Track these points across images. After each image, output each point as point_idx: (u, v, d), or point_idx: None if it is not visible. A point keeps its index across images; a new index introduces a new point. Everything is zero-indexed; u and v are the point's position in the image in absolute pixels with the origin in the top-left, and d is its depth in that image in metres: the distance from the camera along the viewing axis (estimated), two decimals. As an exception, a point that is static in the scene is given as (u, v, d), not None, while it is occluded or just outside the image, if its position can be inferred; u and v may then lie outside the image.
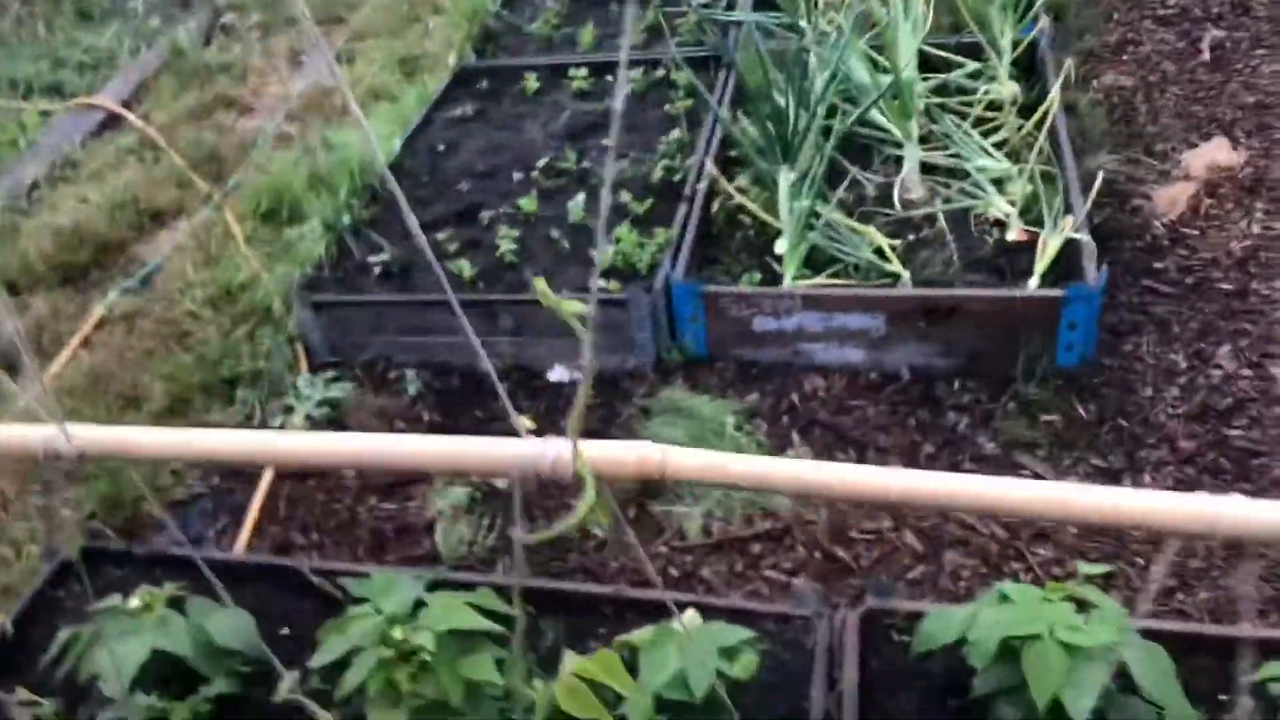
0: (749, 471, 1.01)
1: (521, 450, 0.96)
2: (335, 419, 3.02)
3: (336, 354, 3.22)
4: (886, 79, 3.35)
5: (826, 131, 3.30)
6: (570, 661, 1.66)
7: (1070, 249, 2.91)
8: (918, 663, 1.90)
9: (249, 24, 5.46)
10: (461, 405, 3.05)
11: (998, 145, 3.40)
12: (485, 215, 3.48)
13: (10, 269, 3.80)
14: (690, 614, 1.83)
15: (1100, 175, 3.15)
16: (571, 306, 1.00)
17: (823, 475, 0.98)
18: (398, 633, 1.75)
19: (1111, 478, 2.57)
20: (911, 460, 2.72)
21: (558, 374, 3.11)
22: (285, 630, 2.22)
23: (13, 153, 4.59)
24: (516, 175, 3.67)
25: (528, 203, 3.47)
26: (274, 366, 3.18)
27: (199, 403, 3.13)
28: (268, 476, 2.85)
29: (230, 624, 2.02)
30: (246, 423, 3.03)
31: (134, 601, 2.06)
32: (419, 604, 1.82)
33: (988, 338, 2.82)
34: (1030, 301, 2.76)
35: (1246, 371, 2.86)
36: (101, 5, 5.91)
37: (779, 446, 2.81)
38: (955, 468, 2.70)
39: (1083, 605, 1.69)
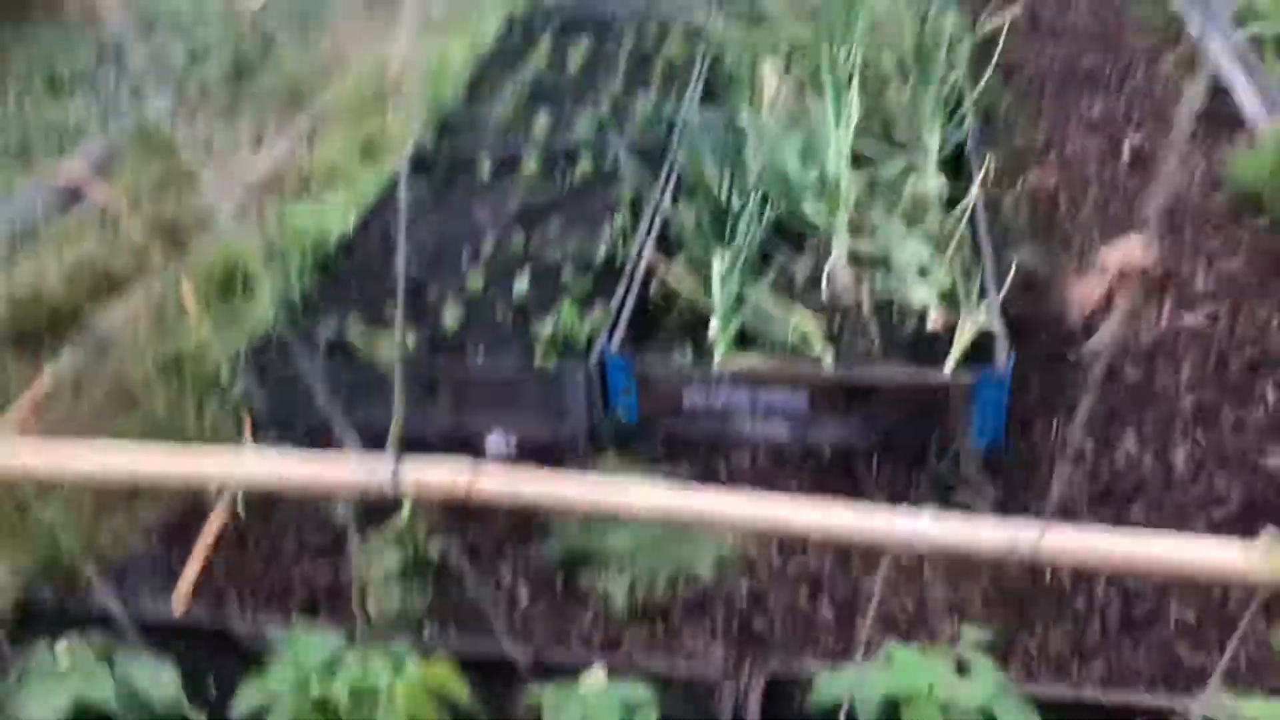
0: (546, 490, 1.13)
1: (353, 469, 1.05)
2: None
3: (279, 422, 3.31)
4: (815, 174, 3.54)
5: (762, 219, 3.48)
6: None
7: (986, 337, 3.07)
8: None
9: (216, 104, 5.63)
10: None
11: (922, 237, 3.59)
12: (433, 291, 3.61)
13: (-38, 333, 3.87)
14: (597, 673, 1.91)
15: (1014, 266, 3.33)
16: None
17: (614, 494, 1.10)
18: (314, 686, 1.82)
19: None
20: (830, 534, 2.83)
21: (496, 444, 3.21)
22: (213, 688, 2.27)
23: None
24: (465, 255, 3.82)
25: (474, 281, 3.61)
26: (219, 433, 3.26)
27: (142, 466, 3.19)
28: (207, 539, 2.92)
29: (154, 675, 2.07)
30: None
31: (60, 648, 2.11)
32: (336, 661, 1.90)
33: (904, 418, 2.96)
34: (943, 385, 2.91)
35: (1148, 457, 3.01)
36: (72, 77, 6.06)
37: (705, 519, 2.91)
38: (872, 542, 2.81)
39: (964, 668, 1.80)
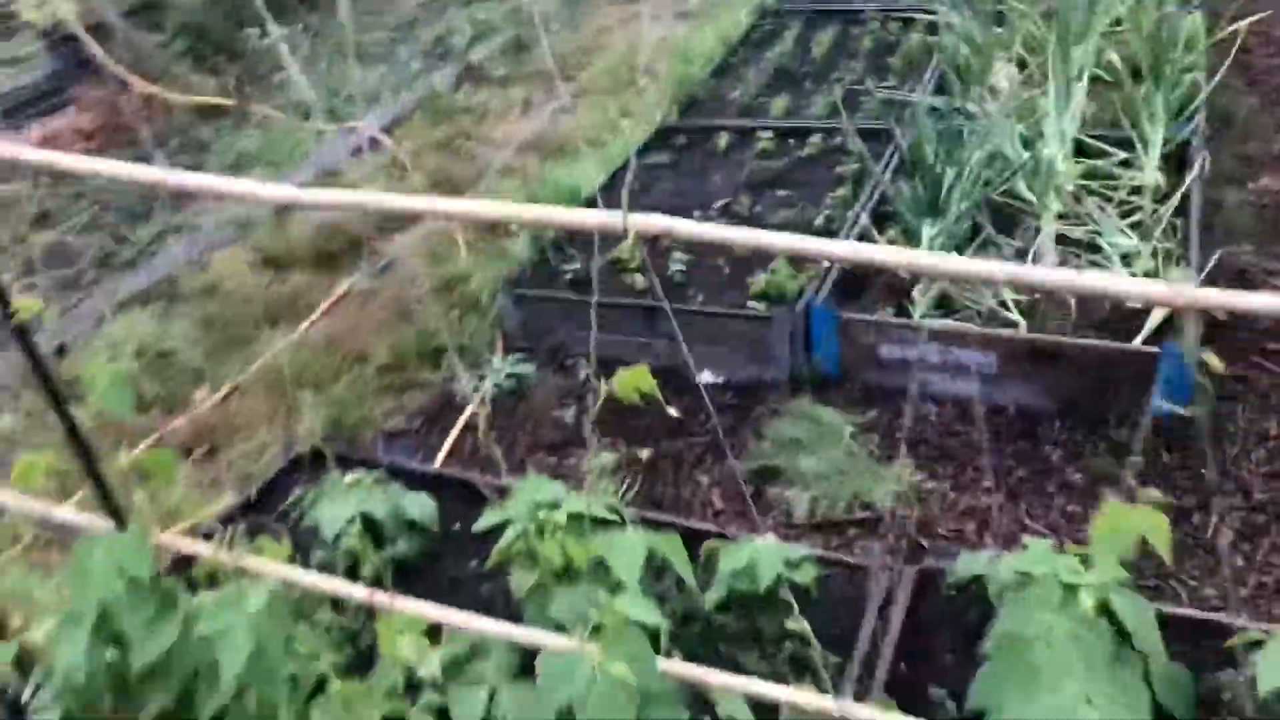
0: (718, 236, 1.46)
1: (600, 216, 1.40)
2: (517, 390, 3.62)
3: (527, 340, 3.84)
4: (1031, 157, 3.74)
5: (973, 195, 3.72)
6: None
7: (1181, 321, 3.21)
8: (958, 613, 2.28)
9: (493, 75, 6.33)
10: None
11: (1133, 226, 3.73)
12: (664, 241, 4.06)
13: (279, 250, 4.65)
14: (769, 536, 2.28)
15: (1227, 262, 3.42)
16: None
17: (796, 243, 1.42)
18: (541, 512, 2.28)
19: (1181, 513, 2.85)
20: (1003, 480, 3.07)
21: (706, 377, 3.61)
22: (457, 526, 2.79)
23: (291, 163, 5.53)
24: (696, 215, 4.24)
25: (703, 235, 4.02)
26: (476, 344, 3.83)
27: (412, 365, 3.80)
28: (459, 425, 3.48)
29: (418, 503, 2.61)
30: (447, 384, 3.68)
31: (348, 478, 2.68)
32: (559, 501, 2.35)
33: (1088, 384, 3.15)
34: (1128, 354, 3.08)
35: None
36: (374, 50, 6.94)
37: (887, 457, 3.21)
38: (1043, 493, 3.03)
39: (1087, 561, 2.05)
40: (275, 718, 1.78)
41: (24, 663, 2.05)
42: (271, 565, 1.95)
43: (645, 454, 3.31)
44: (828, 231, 3.93)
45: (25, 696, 2.04)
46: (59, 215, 5.26)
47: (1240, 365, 3.37)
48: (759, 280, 3.68)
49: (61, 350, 4.01)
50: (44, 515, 2.04)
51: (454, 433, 3.44)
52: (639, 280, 3.79)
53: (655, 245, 4.06)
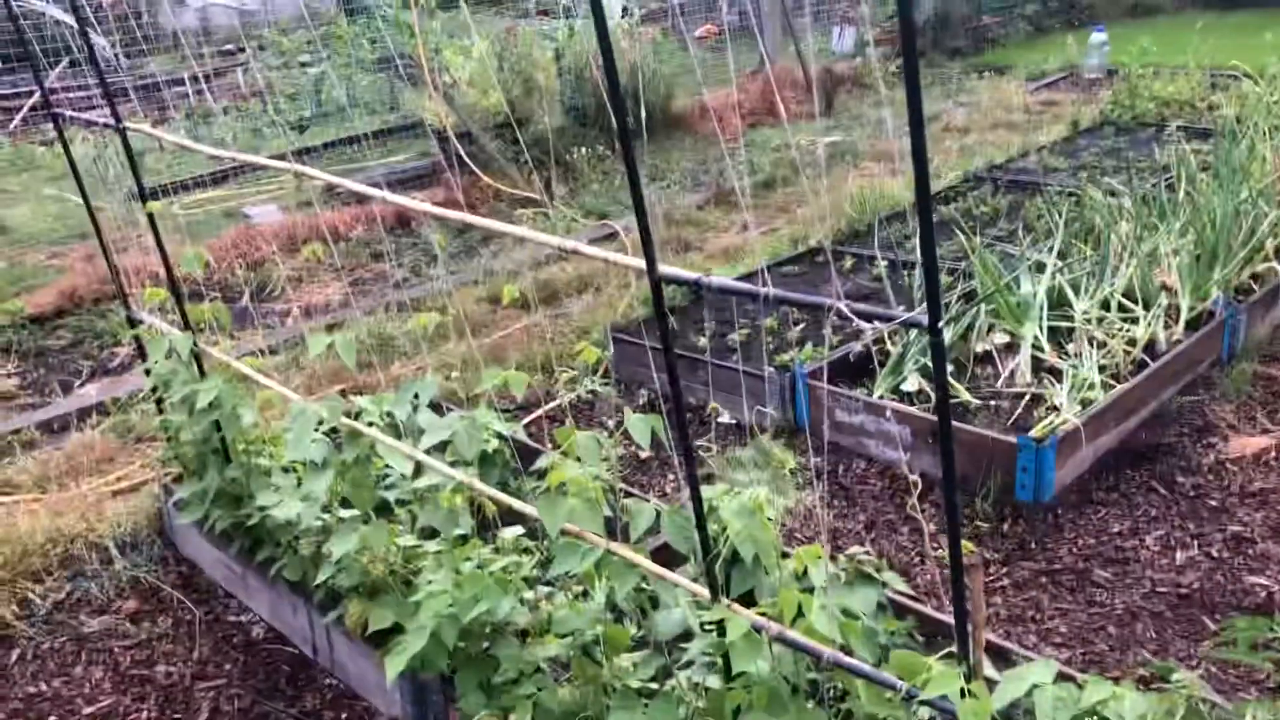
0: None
1: (637, 262, 2.68)
2: (591, 401, 4.95)
3: (619, 371, 5.16)
4: None
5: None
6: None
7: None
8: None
9: (734, 201, 7.79)
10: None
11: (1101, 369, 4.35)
12: (727, 318, 5.23)
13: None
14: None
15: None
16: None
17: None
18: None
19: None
20: (867, 515, 3.91)
21: (724, 418, 4.72)
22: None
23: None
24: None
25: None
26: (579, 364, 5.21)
27: (530, 370, 5.26)
28: (541, 411, 4.86)
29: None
30: (547, 385, 5.10)
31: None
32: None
33: (970, 462, 3.90)
34: (995, 441, 3.82)
35: None
36: (654, 174, 8.67)
37: (805, 485, 4.14)
38: (896, 531, 3.83)
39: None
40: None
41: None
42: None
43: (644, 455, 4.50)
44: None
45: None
46: (389, 253, 7.39)
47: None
48: (793, 353, 4.75)
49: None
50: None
51: (536, 414, 4.84)
52: (702, 341, 5.01)
53: (727, 321, 5.26)
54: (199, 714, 3.29)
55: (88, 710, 3.34)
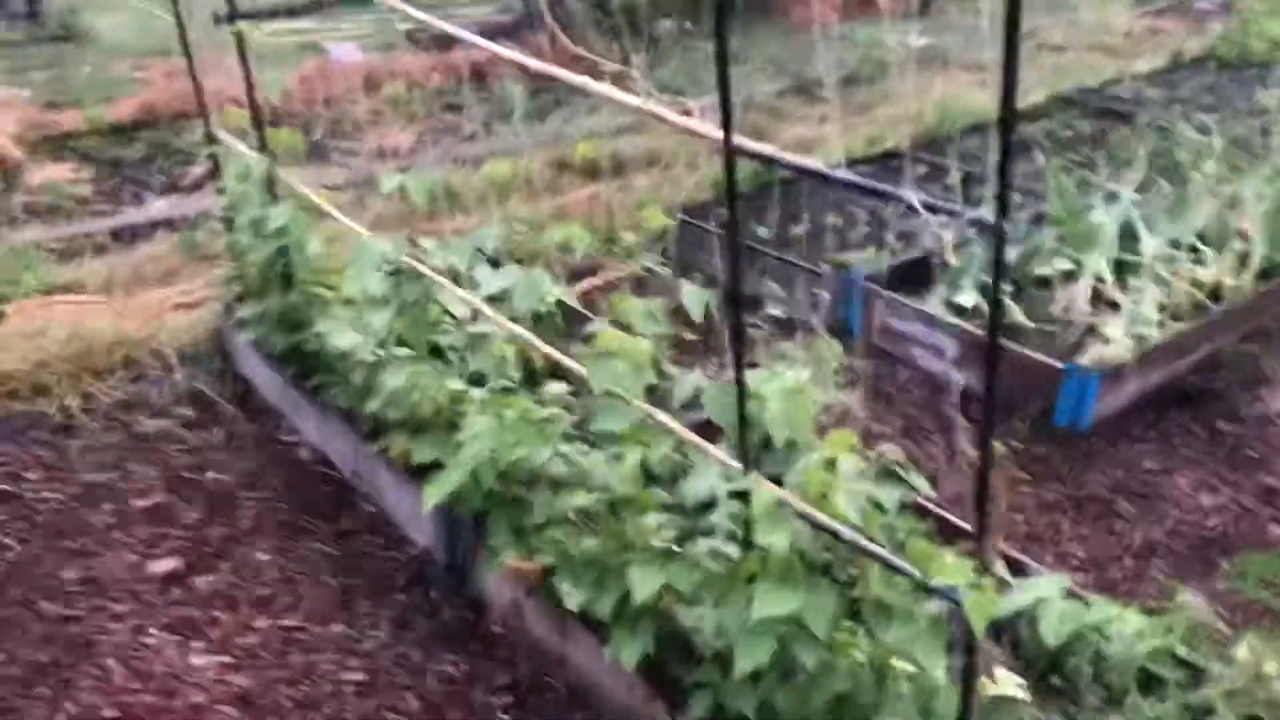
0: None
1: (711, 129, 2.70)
2: (644, 278, 4.98)
3: (680, 251, 5.19)
4: None
5: None
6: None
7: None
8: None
9: (817, 93, 7.64)
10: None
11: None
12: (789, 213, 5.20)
13: (578, 161, 6.33)
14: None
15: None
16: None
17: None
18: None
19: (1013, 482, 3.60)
20: (905, 421, 3.96)
21: (773, 311, 4.74)
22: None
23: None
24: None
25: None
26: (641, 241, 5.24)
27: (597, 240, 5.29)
28: (597, 280, 4.91)
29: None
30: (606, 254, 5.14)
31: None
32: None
33: (1016, 382, 3.91)
34: (1040, 365, 3.83)
35: None
36: (742, 60, 8.49)
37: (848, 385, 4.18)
38: (928, 438, 3.88)
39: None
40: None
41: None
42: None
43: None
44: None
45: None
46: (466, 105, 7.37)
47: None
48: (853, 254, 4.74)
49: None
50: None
51: (591, 282, 4.89)
52: (762, 230, 5.00)
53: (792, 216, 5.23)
54: (242, 520, 3.48)
55: (139, 504, 3.53)
